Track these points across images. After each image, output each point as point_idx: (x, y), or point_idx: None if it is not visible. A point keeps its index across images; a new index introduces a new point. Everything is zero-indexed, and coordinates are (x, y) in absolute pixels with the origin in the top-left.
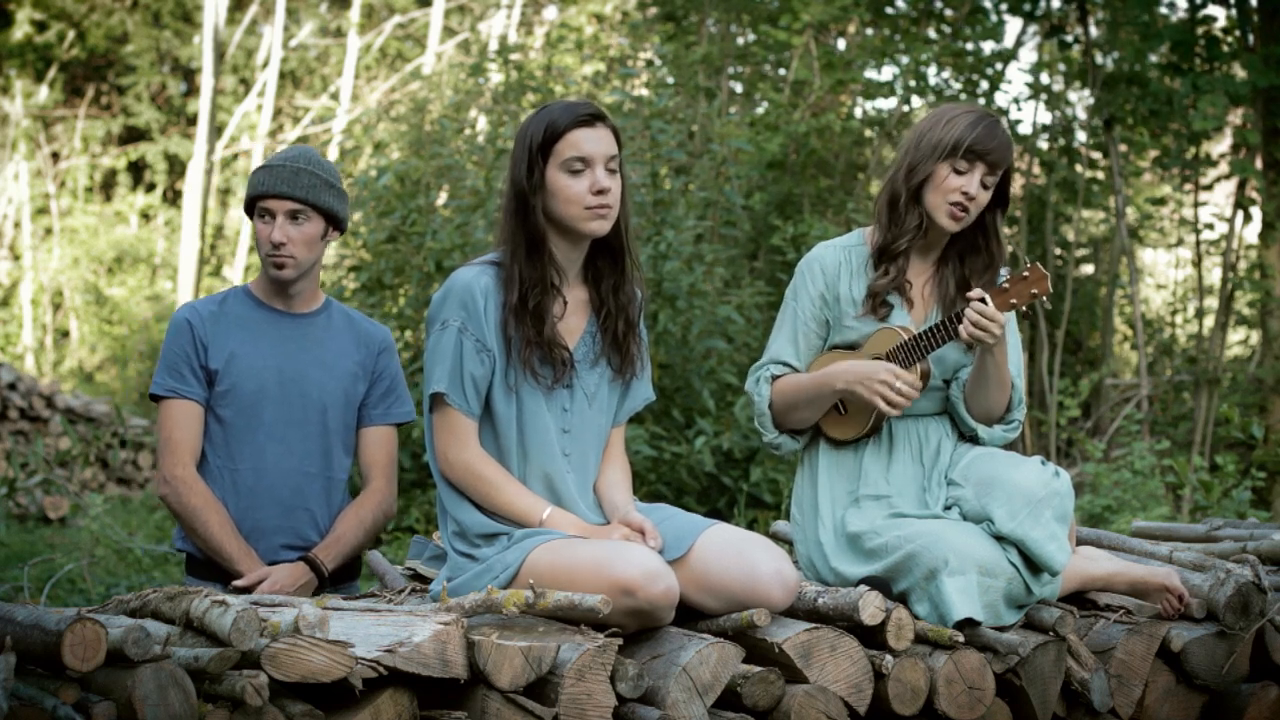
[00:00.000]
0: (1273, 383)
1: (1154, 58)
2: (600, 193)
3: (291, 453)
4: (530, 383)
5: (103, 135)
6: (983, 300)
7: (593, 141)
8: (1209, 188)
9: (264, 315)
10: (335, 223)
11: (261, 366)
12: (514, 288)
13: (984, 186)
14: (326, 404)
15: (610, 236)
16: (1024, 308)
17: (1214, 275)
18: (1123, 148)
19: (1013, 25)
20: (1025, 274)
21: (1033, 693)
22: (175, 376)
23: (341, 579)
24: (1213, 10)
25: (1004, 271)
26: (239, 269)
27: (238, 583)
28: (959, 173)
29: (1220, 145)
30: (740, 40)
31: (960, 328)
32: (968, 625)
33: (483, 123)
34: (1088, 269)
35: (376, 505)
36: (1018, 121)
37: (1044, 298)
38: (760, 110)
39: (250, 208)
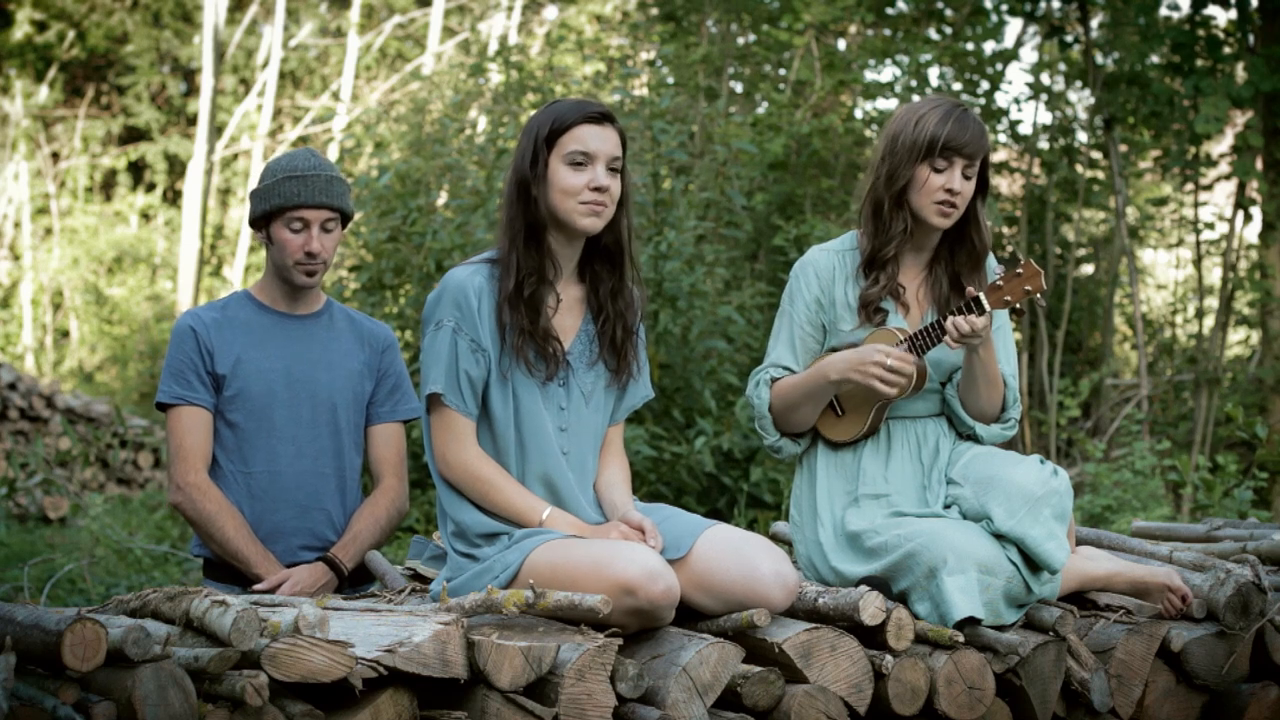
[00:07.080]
0: (1273, 383)
1: (1155, 58)
2: (598, 189)
3: (304, 454)
4: (525, 376)
5: (103, 135)
6: (978, 299)
7: (598, 139)
8: (1209, 188)
9: (268, 318)
10: (347, 224)
11: (269, 369)
12: (510, 275)
13: (966, 178)
14: (336, 403)
15: (609, 240)
16: (1019, 305)
17: (1214, 275)
18: (1123, 148)
19: (1013, 25)
20: (1019, 271)
21: (1033, 693)
22: (182, 384)
23: (359, 580)
24: (1213, 10)
25: (999, 268)
26: (239, 269)
27: (258, 586)
28: (939, 170)
29: (1220, 145)
30: (741, 40)
31: (946, 332)
32: (968, 625)
33: (483, 123)
34: (1088, 269)
35: (390, 503)
36: (1018, 121)
37: (1039, 294)
38: (761, 110)
39: (271, 215)
